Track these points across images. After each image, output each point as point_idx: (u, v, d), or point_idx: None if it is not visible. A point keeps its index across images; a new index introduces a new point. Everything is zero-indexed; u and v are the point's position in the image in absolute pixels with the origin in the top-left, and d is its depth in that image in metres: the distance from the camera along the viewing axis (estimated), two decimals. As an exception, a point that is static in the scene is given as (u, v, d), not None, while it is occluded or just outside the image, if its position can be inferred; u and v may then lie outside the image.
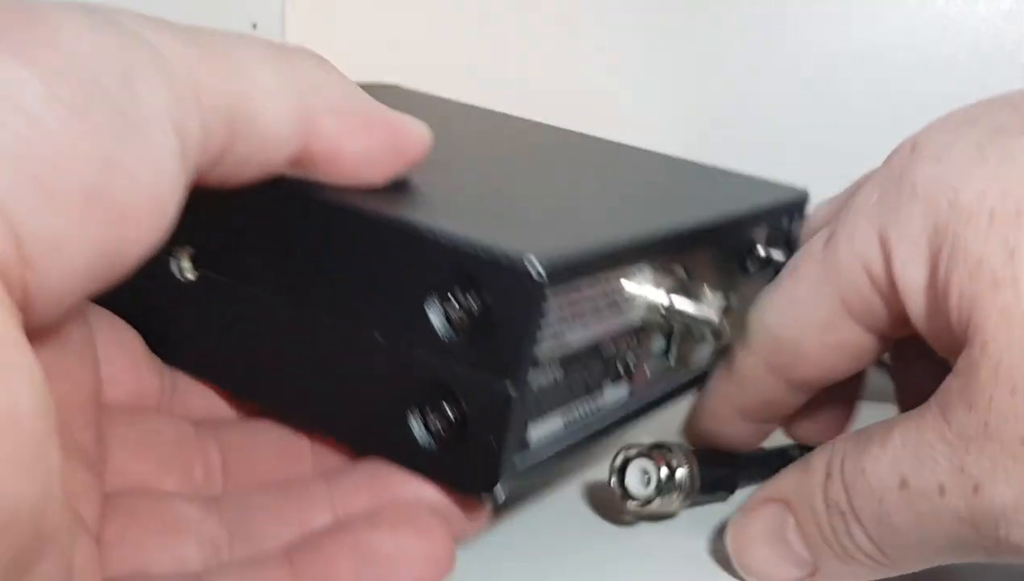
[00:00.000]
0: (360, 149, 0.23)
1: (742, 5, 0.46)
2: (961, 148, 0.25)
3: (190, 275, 0.25)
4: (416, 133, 0.24)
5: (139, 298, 0.25)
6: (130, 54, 0.18)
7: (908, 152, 0.26)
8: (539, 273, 0.20)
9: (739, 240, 0.31)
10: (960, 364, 0.23)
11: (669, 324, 0.27)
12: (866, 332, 0.28)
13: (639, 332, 0.26)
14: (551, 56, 0.47)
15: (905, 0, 0.46)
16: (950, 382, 0.23)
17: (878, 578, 0.26)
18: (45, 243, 0.16)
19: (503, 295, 0.21)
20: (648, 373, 0.28)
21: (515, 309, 0.21)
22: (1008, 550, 0.23)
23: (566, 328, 0.23)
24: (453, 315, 0.22)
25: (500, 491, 0.22)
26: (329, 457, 0.25)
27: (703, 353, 0.31)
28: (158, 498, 0.23)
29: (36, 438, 0.15)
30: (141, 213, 0.18)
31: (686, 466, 0.29)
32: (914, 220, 0.25)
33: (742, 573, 0.27)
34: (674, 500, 0.29)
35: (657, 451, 0.29)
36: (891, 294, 0.26)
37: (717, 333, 0.27)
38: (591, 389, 0.25)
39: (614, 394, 0.26)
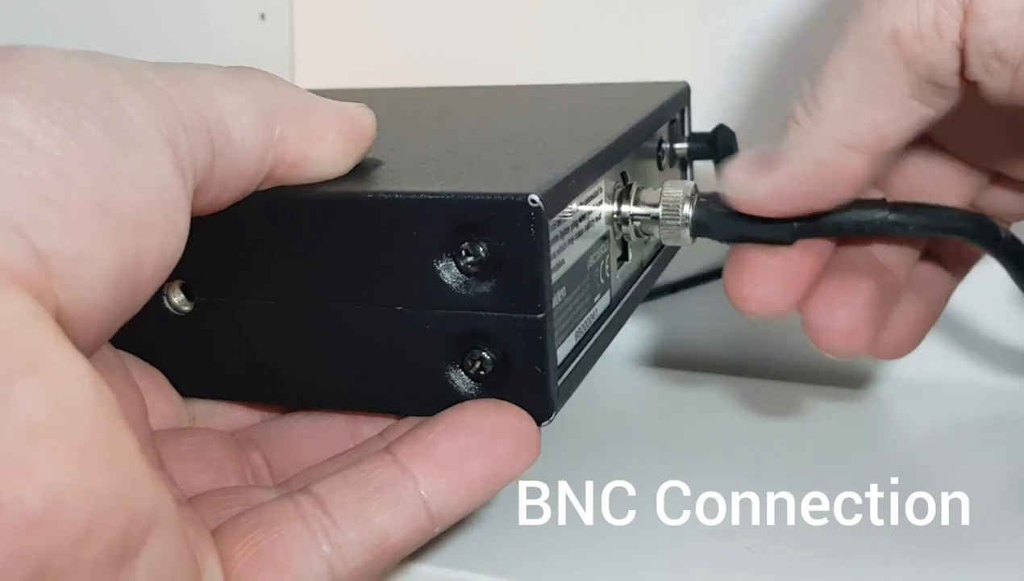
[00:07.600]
0: (326, 147, 0.24)
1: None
2: None
3: (186, 307, 0.25)
4: (367, 118, 0.25)
5: (143, 342, 0.25)
6: (108, 77, 0.19)
7: None
8: (539, 205, 0.22)
9: (652, 138, 0.33)
10: None
11: (622, 228, 0.29)
12: None
13: (605, 243, 0.28)
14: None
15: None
16: None
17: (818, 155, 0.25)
18: (69, 257, 0.17)
19: (510, 234, 0.22)
20: (619, 279, 0.30)
21: (526, 243, 0.22)
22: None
23: (561, 250, 0.24)
24: (464, 267, 0.23)
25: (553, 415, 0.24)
26: (365, 427, 0.26)
27: (650, 252, 0.33)
28: (234, 493, 0.24)
29: (100, 428, 0.16)
30: (153, 220, 0.18)
31: None
32: None
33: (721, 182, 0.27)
34: None
35: None
36: None
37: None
38: (588, 302, 0.27)
39: (602, 304, 0.28)
